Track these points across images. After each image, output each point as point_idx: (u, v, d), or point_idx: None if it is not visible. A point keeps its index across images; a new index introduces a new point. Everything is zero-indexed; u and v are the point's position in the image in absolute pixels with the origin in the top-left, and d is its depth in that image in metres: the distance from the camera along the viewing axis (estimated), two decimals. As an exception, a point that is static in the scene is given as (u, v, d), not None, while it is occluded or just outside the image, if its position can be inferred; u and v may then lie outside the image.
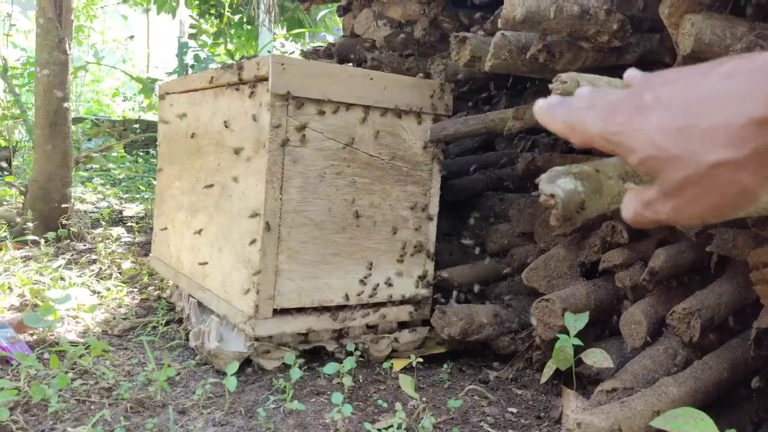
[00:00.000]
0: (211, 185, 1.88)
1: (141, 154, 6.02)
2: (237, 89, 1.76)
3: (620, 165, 1.03)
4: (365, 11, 2.53)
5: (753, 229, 1.43)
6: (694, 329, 1.45)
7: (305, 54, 2.93)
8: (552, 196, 0.87)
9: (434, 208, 1.91)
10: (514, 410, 1.63)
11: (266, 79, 1.61)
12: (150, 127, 6.50)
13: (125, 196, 4.45)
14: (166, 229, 2.26)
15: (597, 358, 1.49)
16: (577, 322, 1.54)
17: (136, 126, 6.52)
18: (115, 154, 5.64)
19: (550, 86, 1.12)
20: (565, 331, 1.55)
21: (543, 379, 1.62)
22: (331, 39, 6.20)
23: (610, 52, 1.46)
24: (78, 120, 6.30)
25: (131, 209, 3.96)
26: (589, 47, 1.41)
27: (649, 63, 1.55)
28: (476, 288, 1.99)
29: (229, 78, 1.78)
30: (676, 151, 0.41)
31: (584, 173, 0.94)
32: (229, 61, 6.44)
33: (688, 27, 1.22)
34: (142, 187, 4.70)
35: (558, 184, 0.89)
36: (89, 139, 6.16)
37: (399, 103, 1.78)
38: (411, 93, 1.80)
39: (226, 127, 1.82)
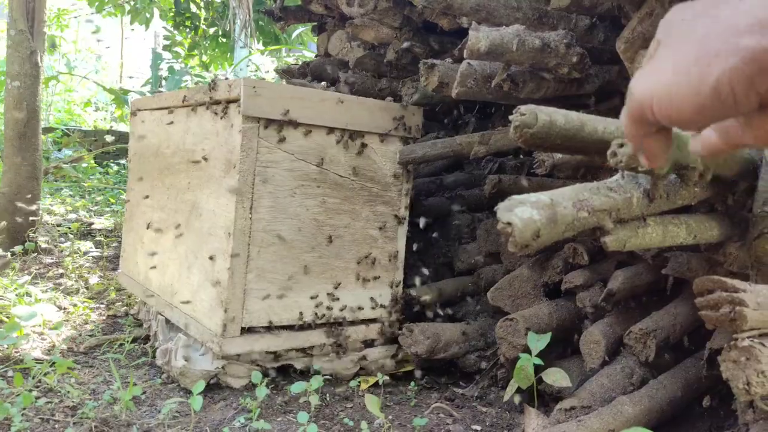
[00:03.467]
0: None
1: (112, 165, 5.96)
2: (209, 109, 1.78)
3: (575, 193, 1.08)
4: (339, 32, 2.57)
5: (706, 252, 1.50)
6: (650, 349, 1.51)
7: (279, 72, 2.96)
8: (509, 224, 0.91)
9: (403, 228, 1.95)
10: (479, 428, 1.66)
11: (238, 101, 1.63)
12: (122, 137, 6.44)
13: (94, 208, 4.41)
14: (147, 239, 2.25)
15: (556, 377, 1.53)
16: (539, 342, 1.58)
17: (108, 136, 6.46)
18: (85, 164, 5.58)
19: (510, 117, 1.17)
20: (528, 349, 1.59)
21: (506, 397, 1.66)
22: (308, 54, 6.24)
23: (570, 83, 1.53)
24: (48, 130, 6.22)
25: (100, 222, 3.93)
26: (551, 78, 1.47)
27: (609, 93, 1.62)
28: (443, 307, 2.02)
29: (202, 98, 1.80)
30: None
31: (540, 203, 0.99)
32: (204, 74, 6.43)
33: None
34: (111, 200, 4.66)
35: (515, 213, 0.93)
36: (59, 149, 6.09)
37: (369, 125, 1.82)
38: (381, 116, 1.85)
39: (198, 146, 1.83)
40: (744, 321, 1.02)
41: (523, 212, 0.92)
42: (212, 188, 1.75)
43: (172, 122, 2.02)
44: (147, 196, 2.19)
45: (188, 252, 1.87)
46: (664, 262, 1.56)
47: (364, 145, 1.84)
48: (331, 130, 1.77)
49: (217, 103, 1.74)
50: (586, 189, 1.05)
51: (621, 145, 1.07)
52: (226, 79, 1.72)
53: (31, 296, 2.38)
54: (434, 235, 2.24)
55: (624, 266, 1.70)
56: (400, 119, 1.88)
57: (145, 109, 2.25)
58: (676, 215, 1.19)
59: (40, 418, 1.52)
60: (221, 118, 1.72)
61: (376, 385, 1.84)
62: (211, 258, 1.73)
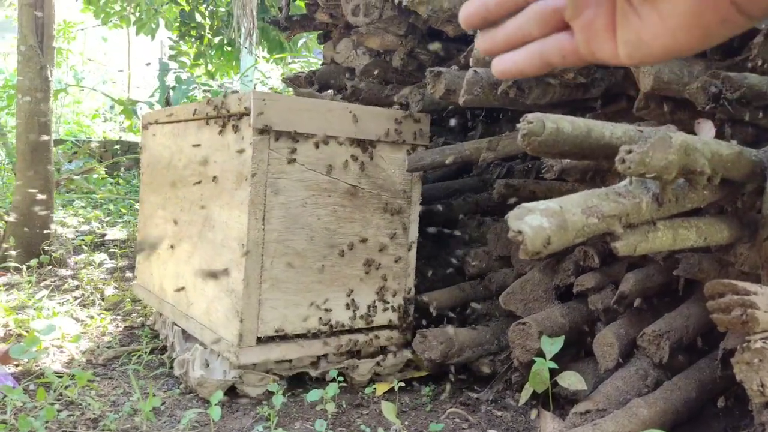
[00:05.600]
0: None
1: (122, 175, 6.02)
2: (220, 122, 1.81)
3: (584, 199, 1.09)
4: (345, 40, 2.59)
5: (717, 253, 1.50)
6: (664, 351, 1.51)
7: (287, 80, 2.98)
8: (520, 232, 0.92)
9: (413, 235, 1.96)
10: (494, 432, 1.68)
11: (248, 114, 1.66)
12: (131, 148, 6.50)
13: (107, 219, 4.45)
14: (154, 252, 2.28)
15: (572, 380, 1.54)
16: (553, 345, 1.59)
17: (117, 147, 6.52)
18: (96, 176, 5.63)
19: (518, 126, 1.18)
20: (542, 353, 1.60)
21: (521, 401, 1.67)
22: (313, 60, 6.27)
23: (576, 87, 1.54)
24: (58, 142, 6.28)
25: (113, 234, 3.97)
26: (557, 83, 1.49)
27: (615, 96, 1.63)
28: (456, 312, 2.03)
29: (212, 111, 1.82)
30: None
31: (550, 210, 1.00)
32: (211, 83, 6.47)
33: (648, 67, 1.30)
34: (123, 210, 4.70)
35: (525, 221, 0.94)
36: (70, 161, 6.15)
37: (377, 134, 1.84)
38: (389, 124, 1.86)
39: (209, 158, 1.86)
40: (756, 323, 1.03)
41: (533, 220, 0.93)
42: (225, 200, 1.78)
43: (183, 135, 2.05)
44: (160, 208, 2.22)
45: (202, 263, 1.89)
46: (675, 263, 1.57)
47: (372, 154, 1.85)
48: (340, 139, 1.79)
49: (228, 116, 1.76)
50: (595, 195, 1.06)
51: (629, 152, 1.08)
52: (235, 91, 1.74)
53: (49, 310, 2.41)
54: (444, 240, 2.25)
55: (635, 268, 1.70)
56: (408, 126, 1.90)
57: (157, 123, 2.28)
58: (686, 218, 1.20)
59: (62, 431, 1.54)
60: (232, 131, 1.74)
61: (391, 391, 1.86)
62: (225, 269, 1.75)
